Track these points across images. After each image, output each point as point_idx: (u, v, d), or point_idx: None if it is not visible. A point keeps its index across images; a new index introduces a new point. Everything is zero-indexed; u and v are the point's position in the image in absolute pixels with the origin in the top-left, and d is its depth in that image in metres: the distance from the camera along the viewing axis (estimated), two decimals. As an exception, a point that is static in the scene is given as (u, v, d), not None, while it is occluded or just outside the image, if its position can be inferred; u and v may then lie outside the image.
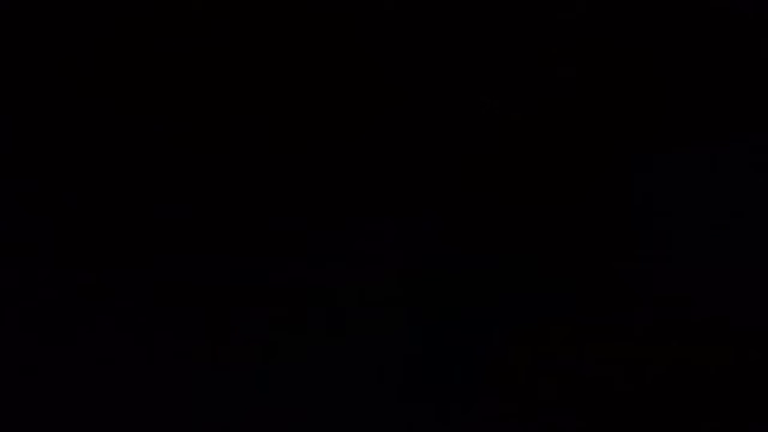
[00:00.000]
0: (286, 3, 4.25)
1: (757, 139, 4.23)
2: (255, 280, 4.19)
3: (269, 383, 4.12)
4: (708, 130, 4.25)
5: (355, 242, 4.22)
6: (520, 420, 4.10)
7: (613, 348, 4.15)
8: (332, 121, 4.27)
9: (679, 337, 4.14)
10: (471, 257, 4.22)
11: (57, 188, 4.21)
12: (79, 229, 4.19)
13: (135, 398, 4.09)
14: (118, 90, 4.23)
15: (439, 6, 4.26)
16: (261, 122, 4.27)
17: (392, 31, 4.27)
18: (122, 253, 4.18)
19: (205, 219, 4.23)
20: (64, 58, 4.21)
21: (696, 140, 4.24)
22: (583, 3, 4.25)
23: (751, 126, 4.23)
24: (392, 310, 4.20)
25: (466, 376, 4.15)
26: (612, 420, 4.10)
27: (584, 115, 4.26)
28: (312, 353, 4.16)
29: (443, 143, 4.26)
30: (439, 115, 4.26)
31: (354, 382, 4.13)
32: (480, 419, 4.11)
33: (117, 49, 4.22)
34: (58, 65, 4.21)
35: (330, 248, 4.22)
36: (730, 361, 4.10)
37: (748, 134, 4.23)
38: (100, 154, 4.23)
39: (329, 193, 4.26)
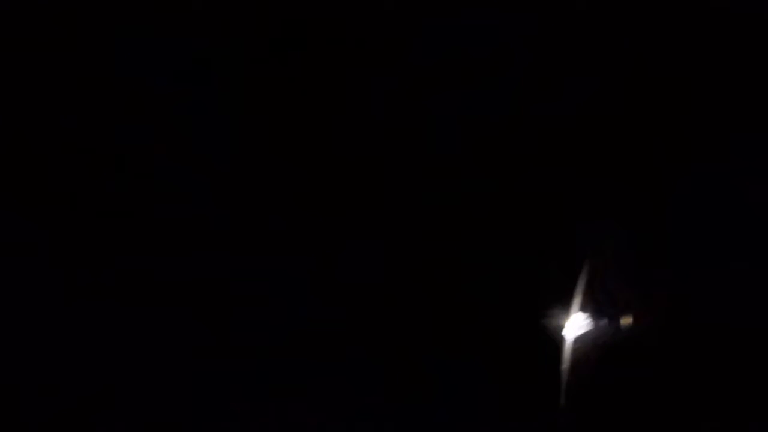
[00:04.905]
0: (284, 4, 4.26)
1: (757, 140, 4.23)
2: (255, 280, 4.20)
3: (269, 381, 4.13)
4: (707, 130, 4.26)
5: (352, 239, 4.23)
6: (520, 420, 4.11)
7: (612, 348, 4.16)
8: (329, 121, 4.28)
9: (680, 338, 4.15)
10: (471, 255, 4.22)
11: (57, 188, 4.22)
12: (79, 229, 4.20)
13: (134, 397, 4.10)
14: (118, 89, 4.23)
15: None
16: (260, 122, 4.28)
17: (395, 32, 4.28)
18: (122, 253, 4.19)
19: (205, 219, 4.23)
20: (63, 58, 4.21)
21: (696, 139, 4.25)
22: (583, 2, 4.25)
23: (750, 126, 4.24)
24: (391, 305, 4.21)
25: (468, 375, 4.15)
26: (612, 420, 4.10)
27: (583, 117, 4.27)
28: (313, 352, 4.17)
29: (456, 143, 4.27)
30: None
31: (355, 379, 4.14)
32: (481, 418, 4.12)
33: (114, 49, 4.22)
34: (57, 65, 4.22)
35: (328, 245, 4.23)
36: (730, 361, 4.10)
37: (747, 135, 4.23)
38: (99, 153, 4.24)
39: (328, 192, 4.27)
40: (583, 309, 4.17)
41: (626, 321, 4.13)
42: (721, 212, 4.21)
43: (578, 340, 4.16)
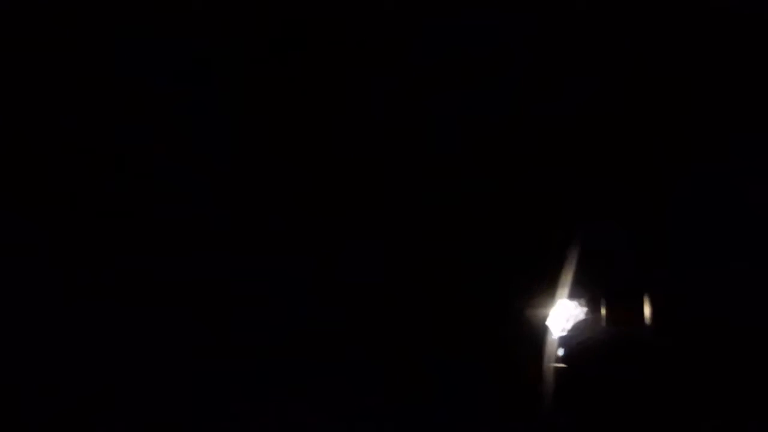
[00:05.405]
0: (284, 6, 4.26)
1: (757, 140, 4.23)
2: (255, 280, 4.20)
3: (269, 381, 4.13)
4: (707, 130, 4.26)
5: (352, 239, 4.23)
6: (520, 420, 4.11)
7: (613, 348, 4.16)
8: (329, 121, 4.28)
9: (680, 337, 4.15)
10: (471, 255, 4.23)
11: (57, 188, 4.22)
12: (79, 229, 4.20)
13: (134, 397, 4.10)
14: (118, 89, 4.23)
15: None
16: (260, 122, 4.28)
17: (398, 32, 4.28)
18: (122, 253, 4.19)
19: (205, 219, 4.23)
20: (63, 58, 4.21)
21: (696, 139, 4.25)
22: (583, 2, 4.25)
23: (750, 126, 4.24)
24: (391, 305, 4.21)
25: (468, 375, 4.16)
26: (612, 419, 4.10)
27: (583, 117, 4.27)
28: (313, 352, 4.17)
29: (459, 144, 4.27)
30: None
31: (355, 379, 4.14)
32: (481, 418, 4.12)
33: (114, 49, 4.22)
34: (57, 65, 4.22)
35: (328, 245, 4.23)
36: (730, 361, 4.10)
37: (747, 135, 4.23)
38: (99, 153, 4.24)
39: (328, 192, 4.27)
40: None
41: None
42: (721, 212, 4.21)
43: (576, 338, 4.17)
